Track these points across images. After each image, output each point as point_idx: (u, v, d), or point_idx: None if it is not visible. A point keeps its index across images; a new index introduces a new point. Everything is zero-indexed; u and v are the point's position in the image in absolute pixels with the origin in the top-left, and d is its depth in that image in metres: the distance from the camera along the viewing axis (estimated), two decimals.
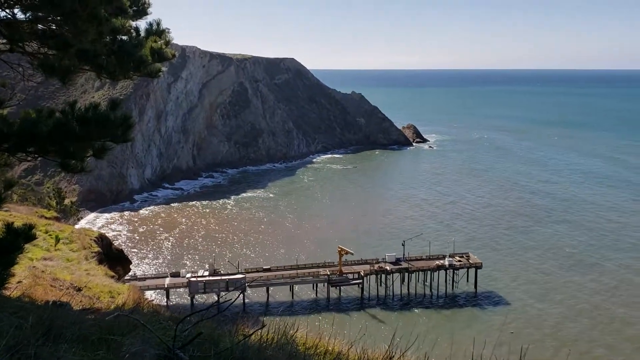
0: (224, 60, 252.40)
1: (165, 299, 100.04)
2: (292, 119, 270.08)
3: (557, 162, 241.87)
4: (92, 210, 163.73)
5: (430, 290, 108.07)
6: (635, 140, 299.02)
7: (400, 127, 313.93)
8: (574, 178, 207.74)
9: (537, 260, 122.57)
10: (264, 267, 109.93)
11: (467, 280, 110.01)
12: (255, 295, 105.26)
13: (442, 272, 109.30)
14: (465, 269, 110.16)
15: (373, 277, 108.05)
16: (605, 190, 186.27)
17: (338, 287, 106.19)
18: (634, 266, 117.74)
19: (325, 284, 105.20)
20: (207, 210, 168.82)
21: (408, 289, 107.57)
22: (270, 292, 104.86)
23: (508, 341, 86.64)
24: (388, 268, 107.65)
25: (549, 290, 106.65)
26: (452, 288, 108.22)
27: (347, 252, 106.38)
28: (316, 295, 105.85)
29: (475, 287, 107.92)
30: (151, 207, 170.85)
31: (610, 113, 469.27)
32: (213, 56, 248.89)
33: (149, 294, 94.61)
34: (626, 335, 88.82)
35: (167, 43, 15.82)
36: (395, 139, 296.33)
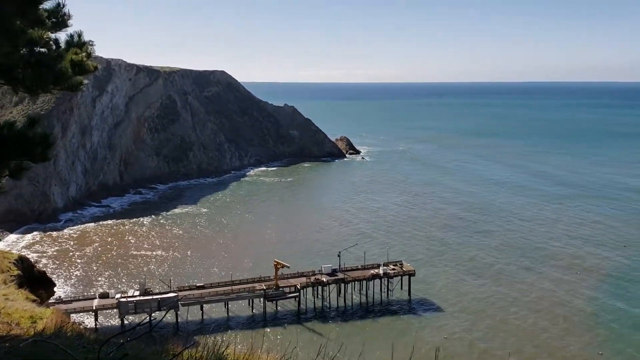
0: (151, 73, 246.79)
1: (94, 322, 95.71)
2: (223, 132, 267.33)
3: (483, 172, 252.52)
4: (11, 231, 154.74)
5: (366, 299, 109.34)
6: (545, 147, 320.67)
7: (333, 139, 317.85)
8: (497, 188, 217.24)
9: (466, 267, 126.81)
10: (198, 285, 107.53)
11: (402, 288, 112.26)
12: (189, 313, 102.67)
13: (377, 281, 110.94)
14: (399, 277, 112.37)
15: (310, 289, 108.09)
16: (520, 198, 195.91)
17: (274, 302, 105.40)
18: (556, 276, 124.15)
19: (262, 299, 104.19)
20: (137, 227, 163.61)
21: (344, 300, 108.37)
22: (204, 309, 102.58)
23: (442, 346, 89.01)
24: (324, 279, 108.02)
25: (479, 295, 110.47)
26: (387, 296, 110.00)
27: (283, 266, 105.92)
28: (252, 310, 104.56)
29: (409, 294, 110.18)
30: (77, 226, 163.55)
31: (526, 122, 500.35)
32: (140, 69, 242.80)
33: (76, 317, 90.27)
34: (544, 342, 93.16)
35: (89, 55, 15.28)
36: (328, 151, 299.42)
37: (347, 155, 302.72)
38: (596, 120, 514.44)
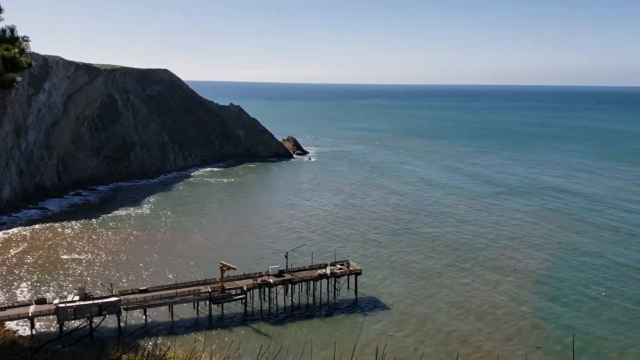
0: (90, 70, 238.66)
1: (30, 329, 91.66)
2: (167, 131, 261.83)
3: (419, 172, 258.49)
4: None
5: (314, 299, 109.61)
6: (475, 147, 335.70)
7: (280, 140, 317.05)
8: (436, 187, 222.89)
9: (410, 266, 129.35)
10: (141, 288, 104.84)
11: (348, 287, 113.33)
12: (131, 318, 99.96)
13: (325, 280, 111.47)
14: (346, 277, 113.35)
15: (257, 291, 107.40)
16: (454, 197, 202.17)
17: (220, 304, 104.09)
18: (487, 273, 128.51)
19: (207, 302, 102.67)
20: (77, 230, 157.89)
21: (292, 301, 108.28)
22: (148, 313, 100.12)
23: (387, 344, 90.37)
24: (271, 281, 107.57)
25: (423, 292, 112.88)
26: (334, 296, 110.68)
27: (229, 268, 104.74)
28: (197, 314, 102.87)
29: (356, 293, 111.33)
30: (12, 230, 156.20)
31: (459, 124, 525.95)
32: (79, 67, 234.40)
33: (10, 325, 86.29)
34: (500, 332, 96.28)
35: (22, 51, 14.64)
36: (275, 152, 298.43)
37: (294, 156, 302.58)
38: (523, 123, 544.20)
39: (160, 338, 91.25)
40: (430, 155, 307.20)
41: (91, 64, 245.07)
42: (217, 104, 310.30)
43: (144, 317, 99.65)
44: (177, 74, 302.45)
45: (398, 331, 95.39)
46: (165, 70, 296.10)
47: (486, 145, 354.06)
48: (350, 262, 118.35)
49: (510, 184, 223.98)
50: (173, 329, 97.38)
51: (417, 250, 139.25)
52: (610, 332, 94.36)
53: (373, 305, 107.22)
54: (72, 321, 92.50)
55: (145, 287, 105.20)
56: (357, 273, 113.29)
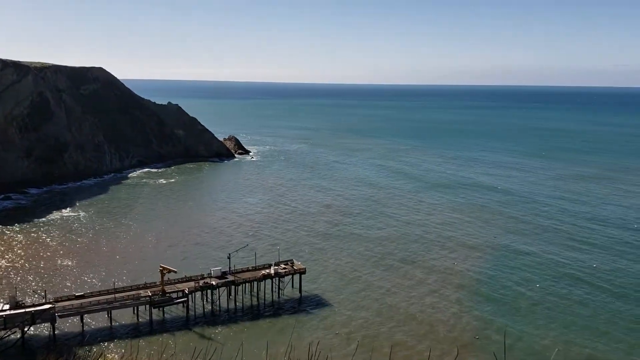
0: (19, 68, 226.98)
1: None
2: (102, 131, 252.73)
3: (356, 170, 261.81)
4: None
5: (258, 300, 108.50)
6: (407, 145, 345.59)
7: (221, 139, 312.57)
8: (373, 186, 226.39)
9: (353, 263, 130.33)
10: (77, 294, 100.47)
11: (293, 287, 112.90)
12: (67, 325, 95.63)
13: (269, 281, 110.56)
14: (290, 276, 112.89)
15: (199, 293, 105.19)
16: (389, 193, 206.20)
17: (161, 308, 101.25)
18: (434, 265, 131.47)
19: (147, 306, 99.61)
20: (8, 235, 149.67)
21: (235, 302, 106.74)
22: (85, 320, 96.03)
23: (333, 342, 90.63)
24: (214, 283, 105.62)
25: (365, 290, 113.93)
26: (279, 296, 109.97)
27: (169, 271, 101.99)
28: (137, 319, 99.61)
29: (300, 292, 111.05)
30: None
31: (391, 122, 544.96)
32: (6, 64, 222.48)
33: None
34: (424, 330, 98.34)
35: None
36: (216, 151, 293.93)
37: (236, 155, 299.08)
38: (461, 121, 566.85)
39: (97, 345, 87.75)
40: (366, 154, 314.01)
41: (19, 62, 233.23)
42: (155, 103, 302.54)
43: (80, 324, 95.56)
44: (113, 73, 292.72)
45: (343, 328, 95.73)
46: (101, 69, 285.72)
47: (421, 143, 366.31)
48: (295, 261, 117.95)
49: (440, 181, 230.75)
50: (112, 335, 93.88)
51: (357, 249, 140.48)
52: (541, 326, 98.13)
53: (318, 303, 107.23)
54: (2, 331, 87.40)
55: (81, 293, 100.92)
56: (302, 272, 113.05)
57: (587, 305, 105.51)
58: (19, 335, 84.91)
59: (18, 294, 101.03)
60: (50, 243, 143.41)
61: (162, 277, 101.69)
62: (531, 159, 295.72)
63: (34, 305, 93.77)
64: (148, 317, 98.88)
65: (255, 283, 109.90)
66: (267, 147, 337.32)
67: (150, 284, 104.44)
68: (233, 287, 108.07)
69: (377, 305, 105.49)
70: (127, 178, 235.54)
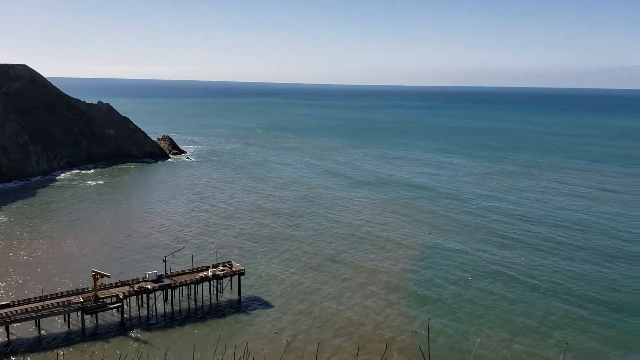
0: None
1: None
2: (27, 131, 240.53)
3: (292, 168, 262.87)
4: None
5: (195, 303, 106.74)
6: (341, 143, 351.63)
7: (155, 139, 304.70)
8: (308, 186, 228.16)
9: (292, 262, 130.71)
10: (2, 303, 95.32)
11: (231, 288, 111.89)
12: None
13: (207, 283, 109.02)
14: (229, 277, 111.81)
15: (134, 298, 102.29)
16: (323, 190, 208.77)
17: (94, 314, 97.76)
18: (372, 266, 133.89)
19: (79, 313, 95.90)
20: None
21: (172, 306, 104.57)
22: (11, 330, 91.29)
23: (269, 342, 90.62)
24: (149, 287, 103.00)
25: (304, 289, 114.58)
26: (217, 298, 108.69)
27: (102, 275, 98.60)
28: (69, 326, 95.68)
29: (239, 293, 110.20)
30: None
31: (325, 121, 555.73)
32: None
33: None
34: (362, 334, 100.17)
35: None
36: (150, 151, 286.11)
37: (170, 156, 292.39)
38: (394, 121, 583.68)
39: (25, 356, 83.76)
40: (299, 153, 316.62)
41: None
42: (84, 102, 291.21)
43: (6, 334, 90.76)
44: (39, 71, 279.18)
45: (281, 328, 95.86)
46: (25, 66, 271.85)
47: (353, 142, 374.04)
48: (233, 262, 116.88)
49: (370, 179, 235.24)
50: (40, 345, 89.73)
51: (291, 249, 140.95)
52: (465, 320, 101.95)
53: (257, 304, 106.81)
54: None
55: (6, 302, 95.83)
56: (240, 273, 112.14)
57: (510, 299, 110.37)
58: None
59: None
60: None
61: (95, 283, 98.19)
62: (458, 157, 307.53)
63: None
64: (80, 325, 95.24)
65: (193, 286, 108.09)
66: (203, 146, 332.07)
67: (82, 289, 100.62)
68: (170, 290, 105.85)
69: (310, 305, 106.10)
70: (54, 180, 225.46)
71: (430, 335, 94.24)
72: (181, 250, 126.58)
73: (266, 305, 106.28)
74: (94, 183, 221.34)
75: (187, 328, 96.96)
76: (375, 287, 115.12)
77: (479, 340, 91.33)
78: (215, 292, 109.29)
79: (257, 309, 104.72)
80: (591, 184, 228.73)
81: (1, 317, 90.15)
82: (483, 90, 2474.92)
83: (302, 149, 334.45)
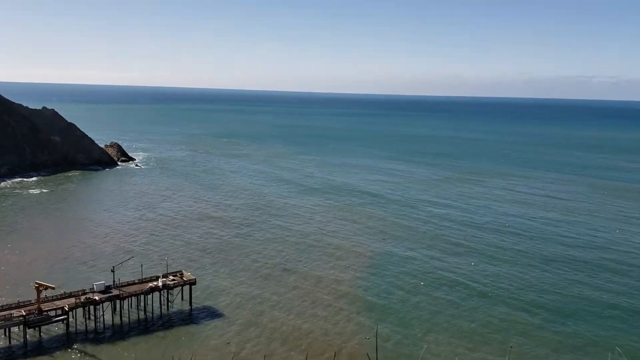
0: None
1: None
2: None
3: (240, 175, 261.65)
4: None
5: (145, 314, 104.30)
6: (286, 149, 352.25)
7: (103, 146, 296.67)
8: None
9: (242, 271, 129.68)
10: None
11: (182, 298, 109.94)
12: None
13: (157, 293, 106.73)
14: (180, 287, 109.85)
15: (80, 310, 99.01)
16: (272, 198, 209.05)
17: (37, 328, 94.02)
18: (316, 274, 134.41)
19: (21, 327, 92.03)
20: None
21: (121, 317, 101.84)
22: None
23: (221, 353, 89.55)
24: (97, 298, 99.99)
25: (256, 297, 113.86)
26: (168, 308, 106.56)
27: (46, 287, 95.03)
28: (9, 341, 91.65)
29: (190, 303, 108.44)
30: None
31: (271, 128, 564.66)
32: None
33: None
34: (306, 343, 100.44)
35: None
36: (97, 159, 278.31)
37: (119, 163, 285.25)
38: (339, 128, 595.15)
39: None
40: (247, 160, 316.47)
41: None
42: (27, 107, 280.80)
43: None
44: None
45: (232, 338, 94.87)
46: None
47: (300, 149, 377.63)
48: (184, 272, 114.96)
49: (318, 186, 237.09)
50: None
51: (245, 257, 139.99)
52: (413, 325, 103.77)
53: (208, 314, 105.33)
54: None
55: None
56: (191, 283, 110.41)
57: (457, 304, 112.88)
58: None
59: None
60: None
61: (38, 295, 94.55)
62: (407, 164, 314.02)
63: None
64: (22, 339, 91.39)
65: (142, 296, 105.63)
66: (152, 153, 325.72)
67: (24, 302, 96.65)
68: (118, 301, 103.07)
69: (259, 315, 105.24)
70: None
71: (378, 341, 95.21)
72: (130, 260, 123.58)
73: (216, 315, 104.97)
74: (37, 191, 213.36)
75: (136, 340, 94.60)
76: (325, 295, 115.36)
77: (425, 346, 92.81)
78: (165, 303, 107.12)
79: (207, 319, 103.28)
80: (535, 191, 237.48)
81: None
82: (431, 99, 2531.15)
83: (251, 155, 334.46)
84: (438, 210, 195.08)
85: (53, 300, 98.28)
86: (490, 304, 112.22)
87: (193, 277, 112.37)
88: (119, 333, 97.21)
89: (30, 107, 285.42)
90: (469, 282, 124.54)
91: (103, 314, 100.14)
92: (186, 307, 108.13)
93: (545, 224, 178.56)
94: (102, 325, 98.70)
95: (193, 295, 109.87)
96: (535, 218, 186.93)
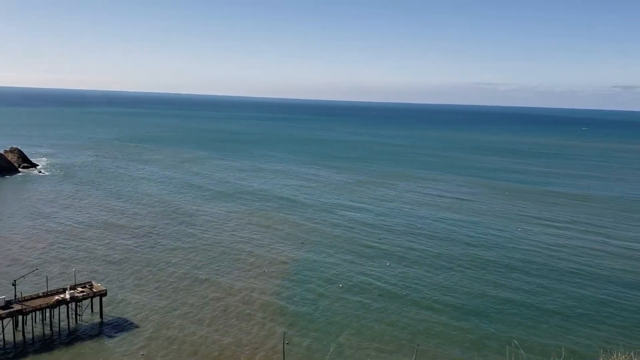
0: None
1: None
2: None
3: (149, 181, 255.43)
4: None
5: (51, 329, 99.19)
6: (195, 154, 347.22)
7: (2, 151, 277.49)
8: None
9: (155, 281, 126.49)
10: None
11: (92, 311, 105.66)
12: None
13: (64, 306, 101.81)
14: (89, 299, 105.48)
15: None
16: (190, 204, 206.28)
17: None
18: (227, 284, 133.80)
19: None
20: None
21: (24, 334, 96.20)
22: None
23: None
24: None
25: (170, 307, 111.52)
26: (76, 322, 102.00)
27: None
28: None
29: (101, 316, 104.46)
30: None
31: (177, 131, 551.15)
32: None
33: None
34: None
35: None
36: None
37: (20, 170, 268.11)
38: (244, 132, 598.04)
39: None
40: (156, 165, 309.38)
41: None
42: None
43: None
44: None
45: (144, 349, 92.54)
46: None
47: (210, 153, 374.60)
48: (94, 283, 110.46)
49: (229, 191, 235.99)
50: None
51: (154, 266, 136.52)
52: (322, 330, 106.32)
53: (121, 326, 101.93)
54: None
55: None
56: (102, 294, 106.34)
57: (370, 307, 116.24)
58: None
59: None
60: None
61: None
62: (317, 167, 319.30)
63: None
64: None
65: (48, 310, 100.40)
66: (56, 159, 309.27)
67: None
68: (20, 317, 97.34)
69: (168, 326, 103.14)
70: None
71: (291, 347, 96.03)
72: (35, 272, 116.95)
73: (127, 327, 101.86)
74: None
75: (43, 356, 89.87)
76: (238, 303, 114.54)
77: (332, 348, 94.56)
78: (74, 316, 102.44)
79: (117, 331, 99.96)
80: (442, 193, 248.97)
81: None
82: (341, 104, 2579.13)
83: (159, 160, 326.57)
84: (352, 214, 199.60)
85: None
86: (400, 305, 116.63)
87: (103, 288, 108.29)
88: (21, 350, 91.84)
89: None
90: (382, 284, 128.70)
91: (3, 332, 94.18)
92: (96, 319, 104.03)
93: (452, 225, 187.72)
94: (2, 344, 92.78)
95: (105, 307, 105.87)
96: (443, 219, 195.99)
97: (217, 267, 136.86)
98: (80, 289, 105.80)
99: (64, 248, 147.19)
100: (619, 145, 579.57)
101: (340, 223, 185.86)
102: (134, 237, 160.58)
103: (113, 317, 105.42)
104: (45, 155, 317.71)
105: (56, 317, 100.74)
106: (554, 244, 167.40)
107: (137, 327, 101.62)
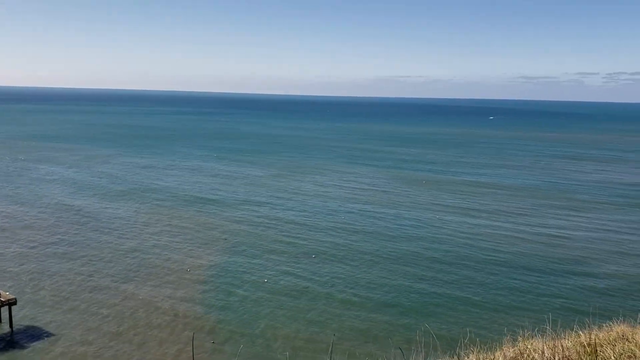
0: None
1: None
2: None
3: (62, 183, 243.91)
4: None
5: None
6: (103, 152, 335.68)
7: None
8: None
9: (63, 287, 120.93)
10: None
11: (0, 321, 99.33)
12: None
13: None
14: None
15: None
16: (97, 207, 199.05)
17: None
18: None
19: None
20: None
21: None
22: None
23: None
24: None
25: (81, 318, 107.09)
26: None
27: None
28: None
29: (11, 326, 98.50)
30: None
31: (81, 127, 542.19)
32: None
33: None
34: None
35: None
36: None
37: None
38: (159, 127, 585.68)
39: None
40: (59, 164, 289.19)
41: None
42: None
43: None
44: None
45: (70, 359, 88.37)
46: None
47: (119, 150, 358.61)
48: (1, 292, 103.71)
49: (143, 190, 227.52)
50: None
51: (60, 275, 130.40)
52: (254, 323, 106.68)
53: (35, 335, 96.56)
54: None
55: None
56: (12, 303, 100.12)
57: (294, 306, 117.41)
58: None
59: None
60: None
61: None
62: (227, 162, 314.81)
63: None
64: None
65: None
66: None
67: None
68: None
69: (87, 335, 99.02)
70: None
71: (215, 346, 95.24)
72: None
73: (44, 335, 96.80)
74: None
75: None
76: (156, 314, 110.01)
77: (241, 347, 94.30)
78: None
79: (35, 341, 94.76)
80: (365, 186, 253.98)
81: None
82: (258, 97, 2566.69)
83: (63, 159, 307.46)
84: (272, 211, 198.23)
85: None
86: (325, 302, 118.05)
87: (13, 297, 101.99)
88: None
89: None
90: (306, 283, 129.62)
91: None
92: (6, 330, 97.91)
93: (375, 218, 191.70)
94: None
95: (15, 317, 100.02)
96: (365, 212, 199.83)
97: (134, 275, 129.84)
98: None
99: None
100: (525, 134, 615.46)
101: (260, 221, 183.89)
102: (30, 243, 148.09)
103: (26, 326, 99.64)
104: None
105: None
106: (470, 233, 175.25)
107: (53, 335, 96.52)
